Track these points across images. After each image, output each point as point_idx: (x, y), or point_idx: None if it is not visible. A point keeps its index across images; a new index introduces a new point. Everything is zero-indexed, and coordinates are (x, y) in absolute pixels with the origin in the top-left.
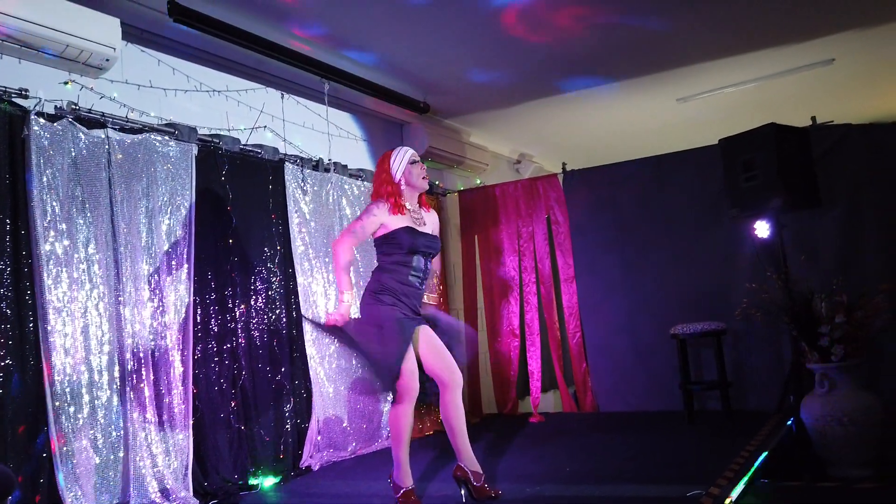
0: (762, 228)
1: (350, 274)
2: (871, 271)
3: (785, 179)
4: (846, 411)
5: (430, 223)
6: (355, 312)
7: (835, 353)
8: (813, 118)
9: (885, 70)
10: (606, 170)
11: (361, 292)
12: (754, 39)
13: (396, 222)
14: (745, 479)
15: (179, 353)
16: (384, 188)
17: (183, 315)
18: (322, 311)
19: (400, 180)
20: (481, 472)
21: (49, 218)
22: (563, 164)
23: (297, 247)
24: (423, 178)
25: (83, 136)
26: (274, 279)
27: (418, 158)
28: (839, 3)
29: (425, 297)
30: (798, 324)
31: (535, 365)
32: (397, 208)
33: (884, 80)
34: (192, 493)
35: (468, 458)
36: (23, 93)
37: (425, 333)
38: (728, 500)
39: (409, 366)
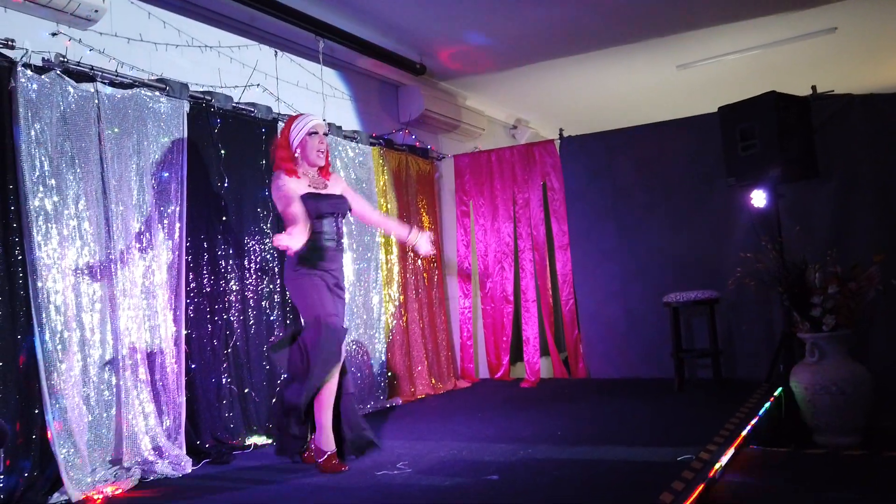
0: (758, 198)
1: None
2: (865, 243)
3: (783, 149)
4: (835, 380)
5: (334, 185)
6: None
7: (826, 322)
8: (813, 87)
9: (887, 40)
10: (604, 136)
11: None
12: (757, 6)
13: (299, 189)
14: (735, 444)
15: (172, 312)
16: (278, 152)
17: (175, 274)
18: None
19: (296, 149)
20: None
21: (38, 173)
22: (560, 130)
23: None
24: (320, 152)
25: (72, 90)
26: (267, 240)
27: (320, 130)
28: None
29: (416, 237)
30: (791, 293)
31: (530, 331)
32: (292, 172)
33: (886, 49)
34: (185, 452)
35: (325, 439)
36: (9, 43)
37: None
38: (717, 465)
39: None
